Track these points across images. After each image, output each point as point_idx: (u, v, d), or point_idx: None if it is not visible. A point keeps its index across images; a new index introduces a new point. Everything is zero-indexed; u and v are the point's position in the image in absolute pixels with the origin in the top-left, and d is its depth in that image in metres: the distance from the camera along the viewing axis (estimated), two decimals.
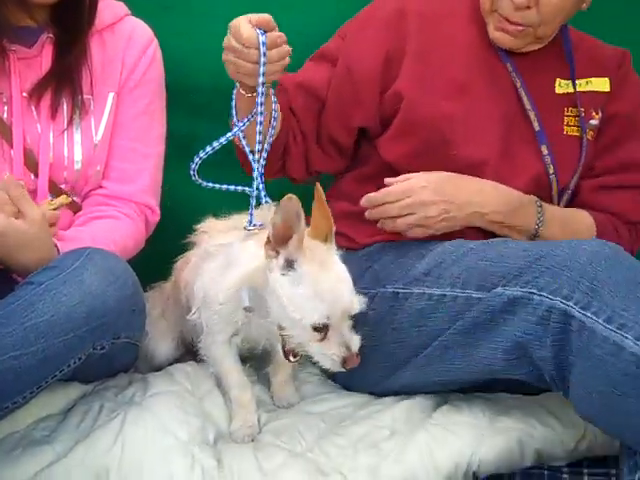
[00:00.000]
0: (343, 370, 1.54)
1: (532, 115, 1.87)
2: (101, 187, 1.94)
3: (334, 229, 1.57)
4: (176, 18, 2.18)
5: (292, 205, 1.46)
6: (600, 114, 1.92)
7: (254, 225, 1.66)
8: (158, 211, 2.00)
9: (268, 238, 1.54)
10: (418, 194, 1.76)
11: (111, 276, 1.60)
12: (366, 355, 1.61)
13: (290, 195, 1.46)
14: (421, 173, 1.80)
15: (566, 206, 1.93)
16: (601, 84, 1.93)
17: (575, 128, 1.91)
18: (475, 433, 1.68)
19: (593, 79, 1.93)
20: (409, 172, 1.82)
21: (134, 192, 1.95)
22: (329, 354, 1.53)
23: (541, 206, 1.83)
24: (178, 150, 2.01)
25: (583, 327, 1.45)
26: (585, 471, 1.68)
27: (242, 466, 1.65)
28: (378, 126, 1.94)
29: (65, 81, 1.84)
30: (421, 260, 1.76)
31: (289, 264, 1.53)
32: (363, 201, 1.81)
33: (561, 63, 1.93)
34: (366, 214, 1.82)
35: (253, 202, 1.67)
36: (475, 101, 1.87)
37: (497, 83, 1.90)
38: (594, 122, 1.92)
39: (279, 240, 1.52)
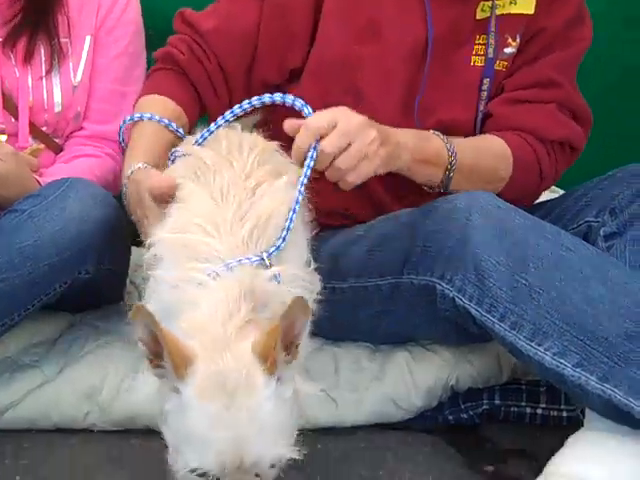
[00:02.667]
0: None
1: (427, 62, 1.73)
2: (82, 128, 1.96)
3: (280, 361, 1.21)
4: None
5: (143, 317, 1.16)
6: (518, 40, 1.75)
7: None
8: None
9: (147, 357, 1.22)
10: (348, 118, 1.46)
11: (93, 202, 1.63)
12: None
13: (138, 305, 1.17)
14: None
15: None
16: (526, 5, 1.73)
17: (483, 57, 1.75)
18: (453, 350, 1.73)
19: None
20: None
21: (114, 131, 1.95)
22: None
23: (444, 136, 1.69)
24: None
25: (484, 324, 1.48)
26: None
27: None
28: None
29: (40, 26, 1.85)
30: (317, 254, 1.67)
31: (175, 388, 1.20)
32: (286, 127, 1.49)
33: None
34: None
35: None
36: (385, 44, 1.73)
37: (409, 17, 1.74)
38: (509, 50, 1.75)
39: (157, 357, 1.21)
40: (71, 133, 1.95)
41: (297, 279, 1.35)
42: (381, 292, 1.66)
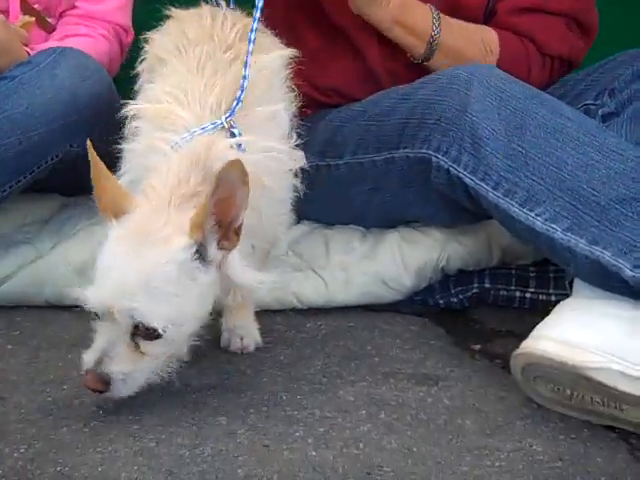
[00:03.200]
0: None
1: None
2: (74, 7, 1.92)
3: (208, 233, 1.22)
4: None
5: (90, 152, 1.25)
6: None
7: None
8: (132, 31, 1.99)
9: None
10: None
11: (85, 72, 1.63)
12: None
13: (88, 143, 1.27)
14: None
15: None
16: None
17: None
18: (444, 231, 1.73)
19: None
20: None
21: (107, 11, 1.93)
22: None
23: (438, 14, 1.70)
24: None
25: (477, 193, 1.48)
26: (551, 268, 1.73)
27: None
28: None
29: None
30: (314, 132, 1.72)
31: None
32: None
33: None
34: None
35: None
36: None
37: None
38: None
39: None
40: (64, 12, 1.92)
41: (271, 150, 1.34)
42: (376, 168, 1.65)
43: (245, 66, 1.36)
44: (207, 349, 1.49)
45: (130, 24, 1.98)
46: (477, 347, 1.60)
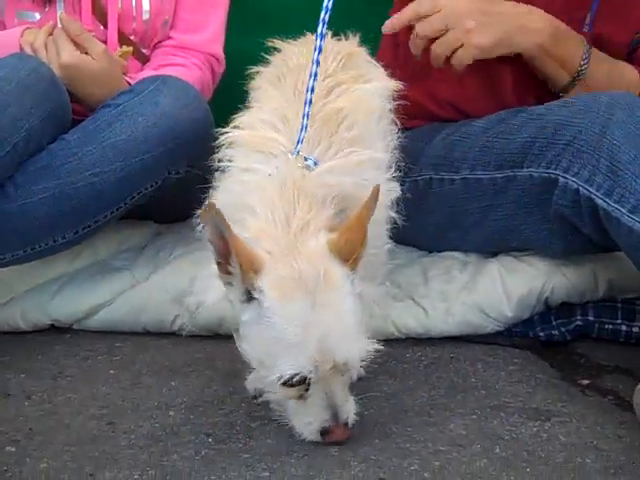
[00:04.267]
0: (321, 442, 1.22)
1: None
2: (169, 38, 1.95)
3: (362, 253, 1.21)
4: None
5: (213, 216, 1.14)
6: None
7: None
8: (224, 61, 2.01)
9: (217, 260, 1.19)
10: (453, 4, 1.55)
11: (185, 98, 1.63)
12: (406, 234, 1.48)
13: (210, 203, 1.15)
14: None
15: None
16: None
17: None
18: (548, 262, 1.68)
19: None
20: None
21: (201, 42, 1.95)
22: (305, 421, 1.21)
23: (590, 47, 1.69)
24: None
25: (609, 216, 1.44)
26: None
27: None
28: None
29: None
30: (429, 145, 1.71)
31: (247, 292, 1.17)
32: (385, 27, 1.58)
33: None
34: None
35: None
36: None
37: None
38: None
39: (226, 260, 1.18)
40: (158, 43, 1.94)
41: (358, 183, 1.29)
42: (495, 186, 1.63)
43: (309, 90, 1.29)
44: None
45: (222, 54, 2.00)
46: (585, 382, 1.53)
